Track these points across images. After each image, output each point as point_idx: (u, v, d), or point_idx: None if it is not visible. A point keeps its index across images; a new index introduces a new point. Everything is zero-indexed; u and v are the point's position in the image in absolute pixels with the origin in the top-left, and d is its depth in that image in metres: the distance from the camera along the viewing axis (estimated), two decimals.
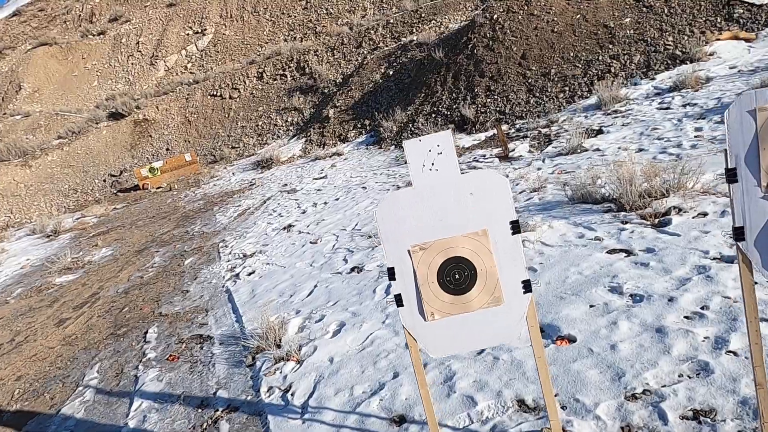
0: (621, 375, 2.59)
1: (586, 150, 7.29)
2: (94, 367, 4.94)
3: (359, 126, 15.03)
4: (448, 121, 11.67)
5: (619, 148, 6.85)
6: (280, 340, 4.18)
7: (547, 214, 5.06)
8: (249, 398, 3.51)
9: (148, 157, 22.97)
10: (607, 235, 4.20)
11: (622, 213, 4.54)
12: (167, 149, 23.49)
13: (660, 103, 8.50)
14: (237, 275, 6.54)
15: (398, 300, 1.76)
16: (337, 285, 5.09)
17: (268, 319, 4.42)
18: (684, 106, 7.87)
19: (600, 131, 8.10)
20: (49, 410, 4.33)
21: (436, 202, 1.67)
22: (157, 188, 18.41)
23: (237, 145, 20.30)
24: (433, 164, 1.65)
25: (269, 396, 3.42)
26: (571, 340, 2.98)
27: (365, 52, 19.22)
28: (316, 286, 5.27)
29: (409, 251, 1.73)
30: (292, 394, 3.34)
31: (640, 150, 6.43)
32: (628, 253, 3.83)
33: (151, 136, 24.61)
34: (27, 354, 5.87)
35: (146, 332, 5.47)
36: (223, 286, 6.29)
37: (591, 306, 3.26)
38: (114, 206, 17.35)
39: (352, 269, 5.40)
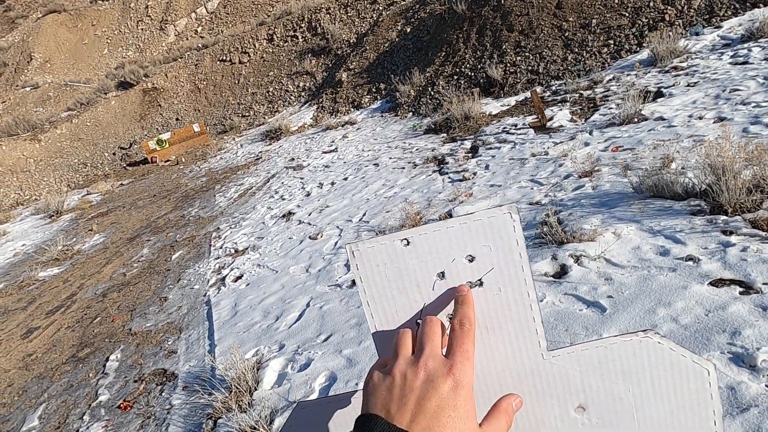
0: None
1: (646, 119, 5.89)
2: (38, 410, 4.02)
3: (374, 90, 13.65)
4: (473, 83, 10.23)
5: (690, 116, 5.44)
6: (252, 393, 3.13)
7: (608, 214, 3.80)
8: None
9: (158, 128, 22.05)
10: (705, 254, 2.95)
11: (721, 217, 3.26)
12: (177, 119, 22.51)
13: (733, 56, 6.94)
14: (223, 279, 5.51)
15: None
16: (334, 306, 3.99)
17: (241, 360, 3.37)
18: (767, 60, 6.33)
19: (660, 94, 6.65)
20: None
21: None
22: (165, 161, 17.52)
23: (247, 114, 19.15)
24: (451, 317, 0.49)
25: None
26: None
27: (380, 8, 17.57)
28: (308, 305, 4.18)
29: None
30: None
31: (722, 119, 5.03)
32: (747, 287, 2.59)
33: (160, 105, 23.63)
34: None
35: (108, 358, 4.51)
36: (204, 295, 5.27)
37: None
38: (120, 182, 16.57)
39: (354, 282, 4.28)
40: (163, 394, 3.65)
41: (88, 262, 8.19)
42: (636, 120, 5.98)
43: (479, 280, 0.49)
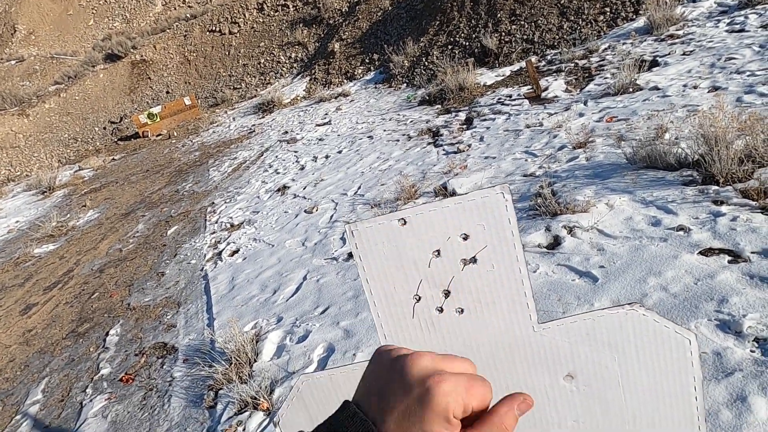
0: None
1: (641, 89, 5.86)
2: (41, 384, 4.08)
3: (367, 61, 13.45)
4: (467, 53, 10.10)
5: (685, 85, 5.42)
6: (252, 365, 3.20)
7: (601, 185, 3.83)
8: None
9: (148, 101, 21.69)
10: (696, 223, 2.99)
11: (713, 187, 3.30)
12: (167, 92, 22.14)
13: (730, 24, 6.88)
14: (219, 254, 5.54)
15: None
16: (331, 279, 4.04)
17: (240, 333, 3.43)
18: (764, 27, 6.28)
19: (655, 63, 6.60)
20: None
21: None
22: (157, 136, 17.31)
23: (239, 86, 18.85)
24: (447, 294, 0.51)
25: None
26: None
27: None
28: (305, 278, 4.23)
29: None
30: None
31: (716, 89, 5.02)
32: (735, 256, 2.64)
33: (150, 78, 23.19)
34: None
35: (108, 333, 4.57)
36: (201, 269, 5.31)
37: None
38: (112, 157, 16.39)
39: (350, 255, 4.33)
40: (164, 366, 3.71)
41: (84, 238, 8.19)
42: (631, 90, 5.96)
43: (473, 257, 0.51)
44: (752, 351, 2.09)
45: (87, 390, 3.75)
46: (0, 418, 3.80)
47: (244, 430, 2.69)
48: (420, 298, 0.53)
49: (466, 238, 0.51)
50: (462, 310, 0.53)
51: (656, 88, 5.69)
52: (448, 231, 0.51)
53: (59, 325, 5.17)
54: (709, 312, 2.33)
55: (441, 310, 0.53)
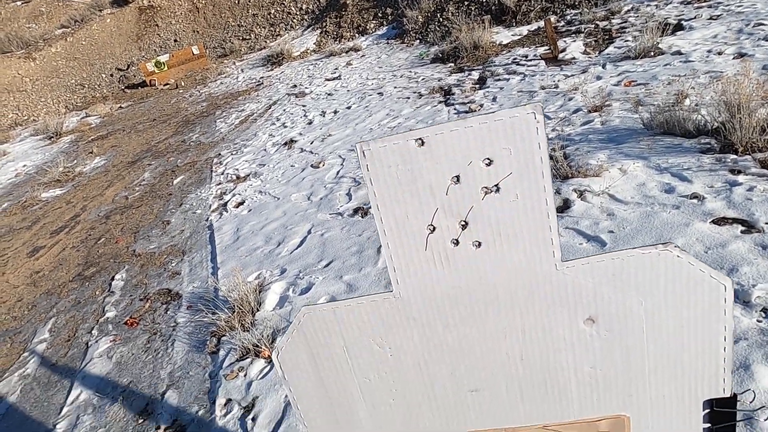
0: None
1: (663, 53, 5.65)
2: (48, 323, 4.16)
3: (380, 16, 13.04)
4: (483, 10, 9.74)
5: (709, 51, 5.21)
6: (254, 315, 3.23)
7: (615, 150, 3.74)
8: (201, 413, 2.62)
9: (156, 49, 21.31)
10: (711, 192, 2.92)
11: (731, 156, 3.20)
12: (175, 41, 21.72)
13: None
14: (225, 205, 5.53)
15: None
16: (335, 233, 4.03)
17: (243, 282, 3.44)
18: None
19: (679, 26, 6.34)
20: None
21: (472, 339, 0.51)
22: (164, 85, 17.08)
23: (248, 37, 18.41)
24: (465, 225, 0.47)
25: (225, 416, 2.52)
26: None
27: None
28: (309, 231, 4.22)
29: None
30: (253, 420, 2.42)
31: (742, 55, 4.83)
32: (749, 227, 2.59)
33: (157, 25, 22.70)
34: None
35: (113, 278, 4.62)
36: (206, 219, 5.31)
37: None
38: (119, 105, 16.26)
39: (356, 211, 4.30)
40: (168, 312, 3.76)
41: (90, 184, 8.19)
42: (652, 54, 5.74)
43: (496, 185, 0.47)
44: (759, 321, 2.06)
45: (93, 331, 3.81)
46: (8, 355, 3.89)
47: (245, 375, 2.74)
48: (434, 228, 0.49)
49: (489, 163, 0.46)
50: (479, 244, 0.49)
51: (679, 53, 5.48)
52: (470, 155, 0.46)
53: (66, 268, 5.22)
54: None
55: (456, 243, 0.49)
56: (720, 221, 2.69)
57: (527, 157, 0.45)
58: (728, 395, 0.53)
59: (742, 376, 1.87)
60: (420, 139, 0.46)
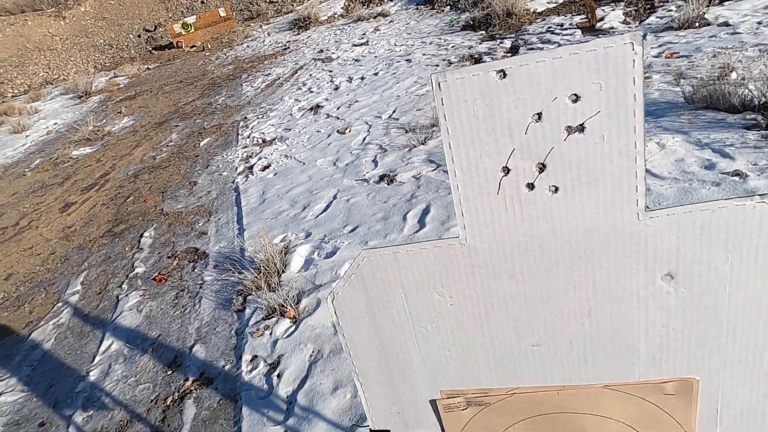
0: None
1: (708, 24, 5.38)
2: (80, 276, 4.29)
3: None
4: None
5: (759, 23, 4.94)
6: (280, 277, 3.27)
7: (654, 124, 3.60)
8: (227, 367, 2.69)
9: (183, 10, 21.22)
10: (754, 170, 2.80)
11: None
12: (202, 2, 21.56)
13: None
14: (251, 168, 5.55)
15: None
16: (361, 200, 4.01)
17: (269, 244, 3.48)
18: None
19: None
20: (23, 329, 3.75)
21: (539, 292, 0.49)
22: (191, 47, 17.04)
23: (275, 0, 18.13)
24: (543, 168, 0.44)
25: (251, 372, 2.58)
26: None
27: None
28: (335, 197, 4.21)
29: (435, 403, 0.61)
30: (278, 376, 2.47)
31: None
32: None
33: None
34: (25, 245, 5.33)
35: (142, 235, 4.71)
36: (233, 182, 5.35)
37: None
38: (147, 66, 16.31)
39: (381, 177, 4.27)
40: (195, 270, 3.83)
41: (119, 143, 8.30)
42: (697, 25, 5.47)
43: (581, 124, 0.44)
44: None
45: (123, 286, 3.91)
46: (43, 304, 4.03)
47: (271, 334, 2.78)
48: (509, 170, 0.46)
49: (576, 99, 0.43)
50: (556, 189, 0.46)
51: (726, 24, 5.20)
52: (555, 89, 0.43)
53: (96, 224, 5.35)
54: None
55: (532, 187, 0.46)
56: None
57: (619, 94, 0.42)
58: None
59: None
60: (502, 71, 0.42)
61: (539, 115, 0.44)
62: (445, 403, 0.60)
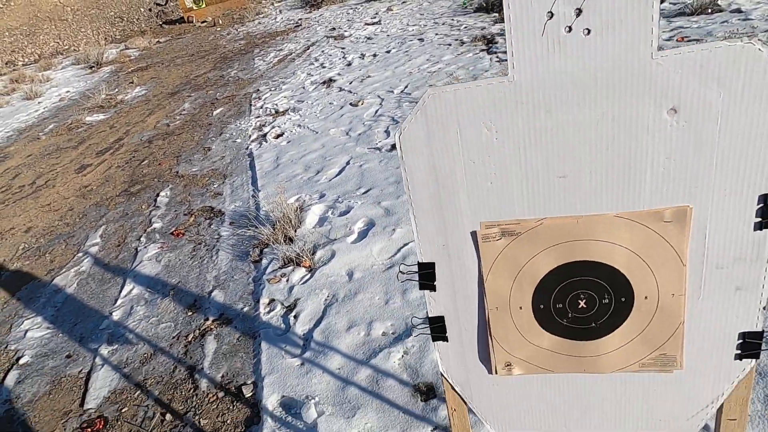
0: None
1: (721, 10, 5.45)
2: (99, 230, 4.43)
3: None
4: None
5: None
6: (296, 231, 3.41)
7: None
8: (246, 309, 2.84)
9: None
10: None
11: None
12: None
13: None
14: (264, 136, 5.67)
15: (437, 328, 0.82)
16: (373, 165, 4.14)
17: (284, 202, 3.61)
18: None
19: None
20: (45, 276, 3.91)
21: (568, 125, 0.62)
22: (202, 22, 17.04)
23: None
24: (579, 12, 0.56)
25: (269, 313, 2.73)
26: None
27: None
28: (348, 163, 4.34)
29: (475, 234, 0.73)
30: (295, 317, 2.62)
31: None
32: None
33: None
34: (42, 202, 5.47)
35: (158, 194, 4.85)
36: (246, 148, 5.47)
37: None
38: (158, 39, 16.32)
39: (393, 146, 4.38)
40: (211, 226, 3.97)
41: (132, 111, 8.41)
42: (710, 11, 5.54)
43: None
44: None
45: (141, 239, 4.06)
46: (64, 255, 4.18)
47: (287, 281, 2.93)
48: (553, 15, 0.58)
49: None
50: (589, 31, 0.58)
51: (738, 11, 5.28)
52: None
53: (112, 184, 5.48)
54: None
55: (570, 30, 0.59)
56: None
57: None
58: None
59: None
60: None
61: None
62: (483, 233, 0.73)
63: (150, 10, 21.12)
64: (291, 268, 3.03)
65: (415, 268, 0.79)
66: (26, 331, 3.22)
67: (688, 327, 0.73)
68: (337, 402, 2.07)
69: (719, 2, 5.62)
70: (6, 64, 18.66)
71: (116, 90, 10.24)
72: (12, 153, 7.63)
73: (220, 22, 16.02)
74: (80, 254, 4.10)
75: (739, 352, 0.73)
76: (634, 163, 0.64)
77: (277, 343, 2.49)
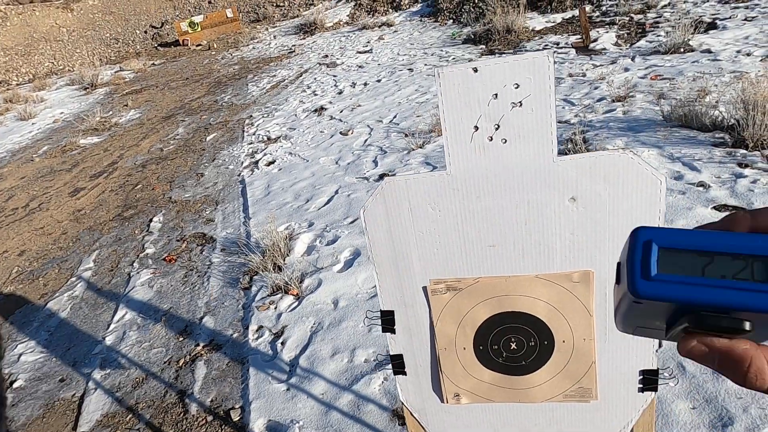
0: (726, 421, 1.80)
1: (693, 50, 5.76)
2: (92, 255, 4.54)
3: None
4: None
5: (738, 52, 5.32)
6: (284, 259, 3.55)
7: (633, 138, 3.94)
8: (235, 335, 2.96)
9: (190, 9, 21.55)
10: (716, 182, 3.14)
11: (741, 151, 3.40)
12: (209, 2, 21.90)
13: None
14: (256, 163, 5.84)
15: (397, 364, 0.98)
16: (361, 195, 4.31)
17: (274, 230, 3.76)
18: None
19: (713, 25, 6.41)
20: (38, 300, 4.00)
21: (494, 208, 0.79)
22: (197, 45, 17.34)
23: (282, 4, 18.52)
24: (497, 127, 0.74)
25: (257, 339, 2.86)
26: None
27: None
28: (336, 192, 4.51)
29: (425, 288, 0.90)
30: (282, 344, 2.75)
31: None
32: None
33: None
34: (36, 225, 5.58)
35: (151, 220, 4.98)
36: (239, 175, 5.64)
37: None
38: (153, 62, 16.57)
39: (381, 176, 4.57)
40: (203, 253, 4.10)
41: (126, 134, 8.56)
42: (682, 50, 5.85)
43: (520, 101, 0.73)
44: None
45: (134, 264, 4.18)
46: (57, 279, 4.28)
47: (276, 308, 3.06)
48: (478, 128, 0.76)
49: (517, 86, 0.73)
50: (505, 140, 0.76)
51: (708, 51, 5.59)
52: (505, 80, 0.73)
53: (106, 208, 5.61)
54: None
55: (491, 139, 0.76)
56: (721, 208, 2.91)
57: (541, 84, 0.72)
58: None
59: None
60: (475, 68, 0.73)
61: (496, 95, 0.74)
62: (432, 288, 0.89)
63: (146, 32, 21.41)
64: (279, 295, 3.17)
65: (379, 314, 0.96)
66: (20, 355, 3.31)
67: (599, 365, 0.89)
68: (321, 426, 2.20)
69: (691, 42, 5.94)
70: (0, 83, 18.76)
71: (110, 113, 10.40)
72: (5, 175, 7.73)
73: (215, 46, 16.33)
74: (73, 278, 4.20)
75: (641, 386, 0.89)
76: (546, 237, 0.81)
77: (265, 368, 2.62)
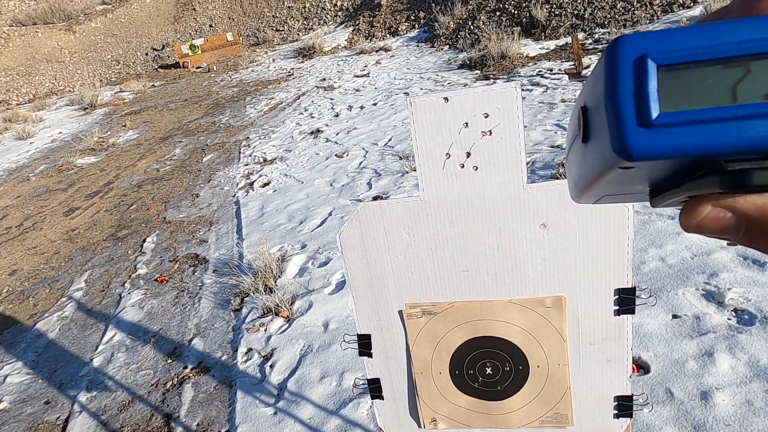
0: None
1: None
2: (84, 275, 4.52)
3: (412, 18, 13.35)
4: (515, 21, 9.99)
5: None
6: (276, 281, 3.54)
7: None
8: (224, 358, 2.94)
9: (191, 32, 21.88)
10: None
11: None
12: (210, 26, 22.26)
13: None
14: (251, 184, 5.87)
15: (374, 389, 0.99)
16: None
17: (267, 252, 3.76)
18: None
19: None
20: (27, 320, 3.97)
21: (467, 233, 0.80)
22: (197, 68, 17.57)
23: (281, 28, 18.84)
24: (468, 155, 0.76)
25: (246, 362, 2.83)
26: (643, 367, 2.16)
27: None
28: (330, 214, 4.52)
29: (401, 312, 0.91)
30: (271, 366, 2.73)
31: None
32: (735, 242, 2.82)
33: (194, 9, 23.23)
34: (29, 244, 5.56)
35: (144, 240, 4.97)
36: (234, 196, 5.65)
37: (674, 317, 2.38)
38: (152, 83, 16.75)
39: (375, 199, 4.59)
40: (195, 273, 4.09)
41: (123, 155, 8.61)
42: None
43: (490, 130, 0.76)
44: (729, 319, 2.32)
45: (125, 284, 4.16)
46: (47, 299, 4.26)
47: (265, 330, 3.05)
48: (450, 155, 0.78)
49: (486, 116, 0.75)
50: (477, 168, 0.78)
51: None
52: (475, 109, 0.75)
53: (100, 228, 5.60)
54: (698, 283, 2.55)
55: (462, 166, 0.78)
56: None
57: (510, 114, 0.74)
58: (630, 286, 0.81)
59: (705, 361, 2.13)
60: (446, 97, 0.75)
61: (466, 123, 0.76)
62: (408, 312, 0.90)
63: (147, 54, 21.70)
64: (270, 317, 3.15)
65: (356, 338, 0.96)
66: (5, 377, 3.27)
67: (574, 391, 0.89)
68: None
69: None
70: (0, 102, 18.90)
71: (108, 133, 10.47)
72: (1, 194, 7.74)
73: (215, 68, 16.54)
74: (64, 299, 4.18)
75: (616, 412, 0.89)
76: (518, 262, 0.82)
77: (253, 392, 2.59)
